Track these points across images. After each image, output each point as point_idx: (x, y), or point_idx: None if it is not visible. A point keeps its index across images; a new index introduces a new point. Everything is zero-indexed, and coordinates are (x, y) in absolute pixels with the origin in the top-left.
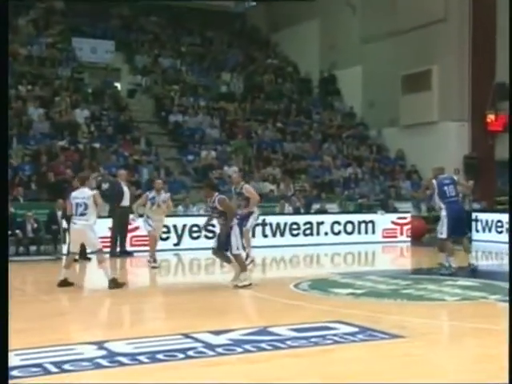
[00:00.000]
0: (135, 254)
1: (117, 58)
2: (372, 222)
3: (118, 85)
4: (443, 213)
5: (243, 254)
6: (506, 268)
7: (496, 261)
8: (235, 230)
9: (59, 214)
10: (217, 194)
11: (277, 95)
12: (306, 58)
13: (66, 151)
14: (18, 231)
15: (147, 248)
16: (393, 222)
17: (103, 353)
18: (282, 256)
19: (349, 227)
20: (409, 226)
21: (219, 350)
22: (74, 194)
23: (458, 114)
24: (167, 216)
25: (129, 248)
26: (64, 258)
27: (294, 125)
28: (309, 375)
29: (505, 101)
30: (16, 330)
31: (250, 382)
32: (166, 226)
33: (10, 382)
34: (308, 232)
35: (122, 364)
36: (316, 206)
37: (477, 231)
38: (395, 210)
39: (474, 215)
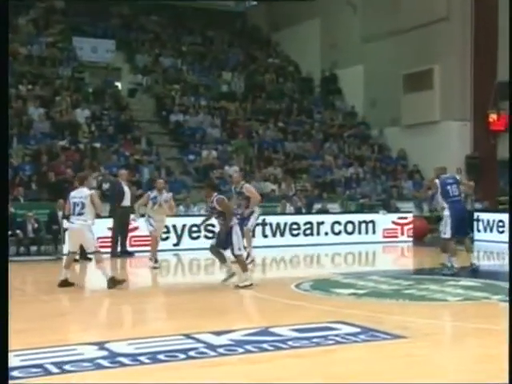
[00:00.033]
0: (136, 255)
1: (117, 57)
2: (372, 221)
3: (118, 84)
4: (446, 212)
5: (244, 254)
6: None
7: (498, 261)
8: (236, 230)
9: (60, 214)
10: (216, 194)
11: (278, 95)
12: (307, 58)
13: (66, 151)
14: (18, 231)
15: (147, 248)
16: (393, 222)
17: (104, 353)
18: (283, 256)
19: (349, 227)
20: (409, 226)
21: (220, 350)
22: (72, 193)
23: (460, 113)
24: (170, 216)
25: (128, 248)
26: (64, 258)
27: (296, 124)
28: (311, 376)
29: (507, 100)
30: (16, 330)
31: (251, 383)
32: (165, 226)
33: (10, 382)
34: (308, 232)
35: (122, 364)
36: (317, 206)
37: (478, 231)
38: (397, 210)
39: (475, 215)
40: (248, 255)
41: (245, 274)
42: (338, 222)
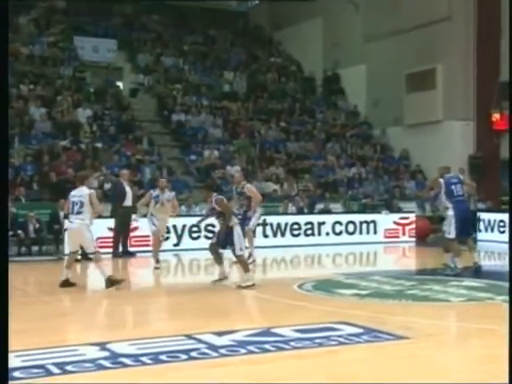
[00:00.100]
0: (137, 255)
1: (119, 56)
2: (374, 222)
3: (120, 84)
4: (450, 212)
5: (246, 255)
6: None
7: (499, 261)
8: (238, 230)
9: (61, 214)
10: (215, 194)
11: (280, 94)
12: (309, 57)
13: (67, 151)
14: (19, 231)
15: (148, 248)
16: (395, 223)
17: (106, 354)
18: (284, 256)
19: (350, 227)
20: (411, 226)
21: (222, 351)
22: (72, 192)
23: (463, 112)
24: (173, 217)
25: (128, 248)
26: (66, 258)
27: (298, 124)
28: (313, 376)
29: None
30: (18, 330)
31: (253, 383)
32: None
33: (10, 382)
34: (309, 232)
35: (124, 365)
36: (320, 206)
37: (479, 231)
38: (399, 210)
39: (477, 215)
40: (249, 255)
41: (247, 275)
42: (339, 222)
